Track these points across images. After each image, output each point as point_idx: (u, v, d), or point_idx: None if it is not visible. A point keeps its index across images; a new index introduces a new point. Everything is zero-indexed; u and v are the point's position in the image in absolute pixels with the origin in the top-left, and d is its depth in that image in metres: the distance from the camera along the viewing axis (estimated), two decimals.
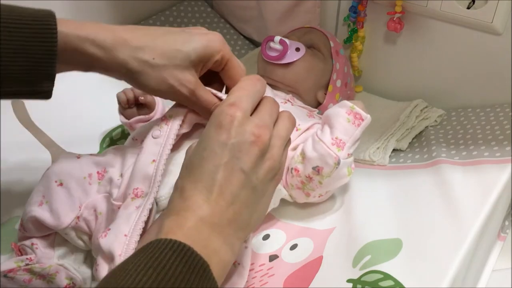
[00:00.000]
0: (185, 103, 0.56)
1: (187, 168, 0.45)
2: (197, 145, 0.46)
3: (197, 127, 0.61)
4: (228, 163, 0.43)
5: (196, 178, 0.44)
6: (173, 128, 0.57)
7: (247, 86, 0.48)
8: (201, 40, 0.53)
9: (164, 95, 0.55)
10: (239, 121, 0.44)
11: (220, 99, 0.55)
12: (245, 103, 0.46)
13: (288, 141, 0.50)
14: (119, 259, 0.50)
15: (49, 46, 0.48)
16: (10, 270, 0.58)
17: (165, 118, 0.58)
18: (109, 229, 0.53)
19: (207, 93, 0.55)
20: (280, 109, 0.71)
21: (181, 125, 0.57)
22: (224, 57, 0.55)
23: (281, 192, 0.69)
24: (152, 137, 0.57)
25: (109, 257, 0.51)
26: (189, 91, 0.54)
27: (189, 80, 0.53)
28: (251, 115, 0.47)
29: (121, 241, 0.51)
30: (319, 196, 0.69)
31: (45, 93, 0.50)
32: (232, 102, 0.46)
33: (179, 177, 0.46)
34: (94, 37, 0.50)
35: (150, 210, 0.54)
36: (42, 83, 0.49)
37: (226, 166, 0.43)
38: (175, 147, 0.59)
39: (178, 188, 0.45)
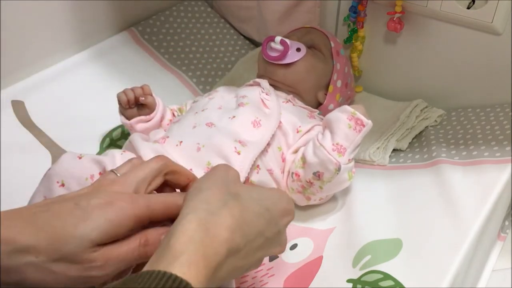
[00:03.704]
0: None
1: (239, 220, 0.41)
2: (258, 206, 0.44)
3: None
4: (268, 238, 0.45)
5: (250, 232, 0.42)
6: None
7: None
8: (104, 214, 0.40)
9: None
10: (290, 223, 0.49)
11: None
12: None
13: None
14: None
15: None
16: None
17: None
18: None
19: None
20: (281, 108, 0.72)
21: None
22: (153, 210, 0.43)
23: None
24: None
25: None
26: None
27: (95, 257, 0.39)
28: None
29: None
30: (319, 200, 0.69)
31: None
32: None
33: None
34: None
35: None
36: None
37: (267, 238, 0.44)
38: None
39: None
